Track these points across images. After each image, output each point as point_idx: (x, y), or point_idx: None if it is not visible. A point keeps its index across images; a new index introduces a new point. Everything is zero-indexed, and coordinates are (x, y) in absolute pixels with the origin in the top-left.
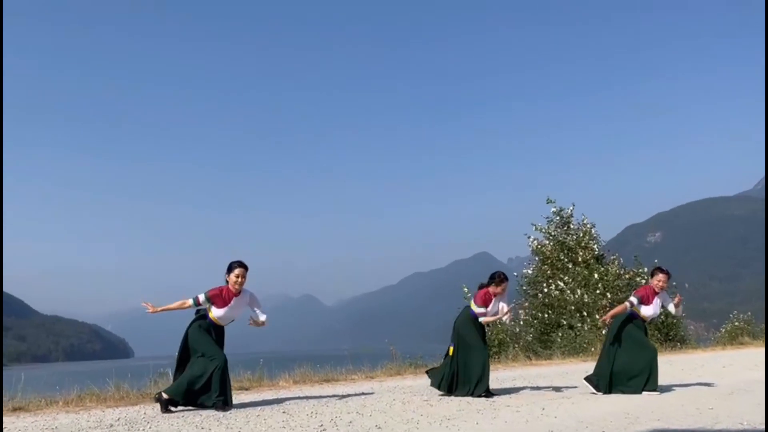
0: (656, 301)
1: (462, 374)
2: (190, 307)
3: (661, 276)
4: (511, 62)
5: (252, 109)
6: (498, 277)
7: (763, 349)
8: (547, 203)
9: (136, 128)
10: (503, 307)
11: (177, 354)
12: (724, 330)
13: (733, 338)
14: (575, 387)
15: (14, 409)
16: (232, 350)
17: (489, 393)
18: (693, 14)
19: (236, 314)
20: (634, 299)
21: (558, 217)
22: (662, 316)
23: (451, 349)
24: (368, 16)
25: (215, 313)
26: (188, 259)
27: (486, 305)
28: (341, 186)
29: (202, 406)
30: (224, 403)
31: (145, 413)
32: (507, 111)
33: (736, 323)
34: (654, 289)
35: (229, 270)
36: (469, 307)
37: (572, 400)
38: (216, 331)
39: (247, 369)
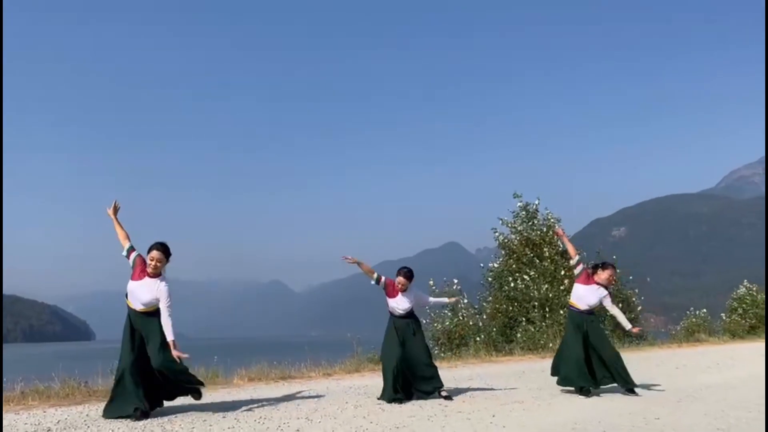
0: (594, 291)
1: None
2: None
3: (609, 271)
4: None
5: (241, 109)
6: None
7: (717, 348)
8: (514, 197)
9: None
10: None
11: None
12: (681, 327)
13: (690, 334)
14: (530, 389)
15: None
16: (199, 335)
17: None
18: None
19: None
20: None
21: (524, 212)
22: (627, 312)
23: None
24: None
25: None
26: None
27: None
28: (310, 175)
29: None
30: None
31: (87, 415)
32: (480, 106)
33: (693, 319)
34: (596, 280)
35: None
36: None
37: (525, 405)
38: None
39: (203, 362)
